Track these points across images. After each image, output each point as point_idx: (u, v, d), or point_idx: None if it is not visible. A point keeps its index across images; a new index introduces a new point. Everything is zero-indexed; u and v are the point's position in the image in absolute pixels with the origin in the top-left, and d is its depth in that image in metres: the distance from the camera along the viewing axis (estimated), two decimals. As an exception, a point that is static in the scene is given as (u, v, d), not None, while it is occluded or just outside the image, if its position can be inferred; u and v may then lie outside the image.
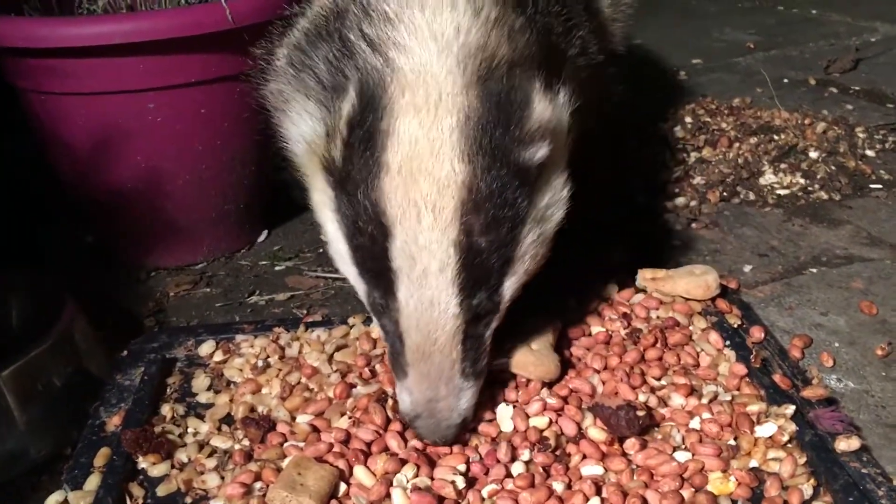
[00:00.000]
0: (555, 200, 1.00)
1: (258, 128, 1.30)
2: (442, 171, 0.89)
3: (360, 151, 0.91)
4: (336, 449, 0.98)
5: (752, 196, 1.73)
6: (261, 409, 1.09)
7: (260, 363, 1.18)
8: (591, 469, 0.95)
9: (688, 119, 2.07)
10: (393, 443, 0.98)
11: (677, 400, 1.06)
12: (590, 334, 1.19)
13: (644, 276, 1.30)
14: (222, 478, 0.98)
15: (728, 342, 1.17)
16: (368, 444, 0.98)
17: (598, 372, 1.10)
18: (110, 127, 1.48)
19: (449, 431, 0.95)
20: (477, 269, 0.91)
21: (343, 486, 0.94)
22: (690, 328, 1.20)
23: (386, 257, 0.90)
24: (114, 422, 1.10)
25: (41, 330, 1.27)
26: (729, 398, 1.06)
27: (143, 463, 1.02)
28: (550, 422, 1.02)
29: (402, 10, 0.96)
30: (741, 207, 1.70)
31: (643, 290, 1.28)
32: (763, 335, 1.18)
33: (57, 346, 1.27)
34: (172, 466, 1.02)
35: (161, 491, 0.99)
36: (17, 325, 1.38)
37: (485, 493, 0.93)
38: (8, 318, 1.39)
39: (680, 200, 1.72)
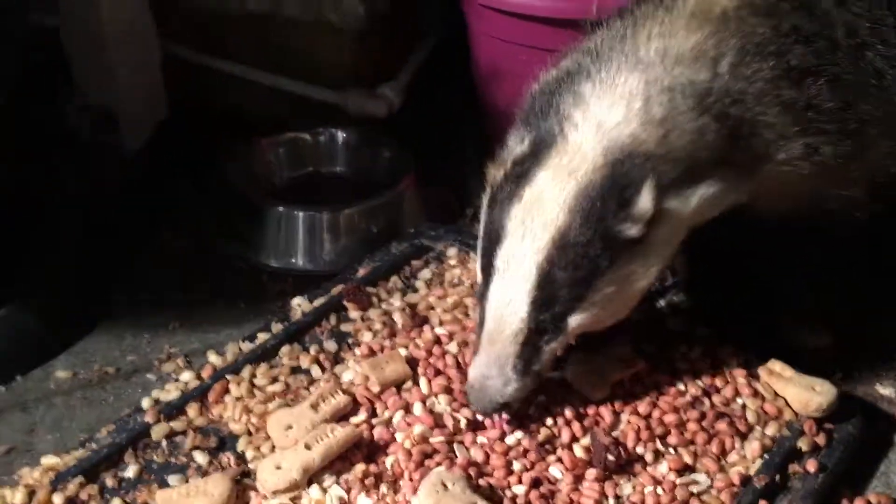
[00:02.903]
0: (641, 271, 1.25)
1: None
2: (550, 213, 1.22)
3: (510, 182, 1.26)
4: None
5: None
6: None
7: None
8: (553, 470, 1.24)
9: None
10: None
11: (662, 468, 1.24)
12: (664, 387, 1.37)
13: (771, 365, 1.38)
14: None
15: (765, 456, 1.26)
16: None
17: (633, 415, 1.31)
18: (505, 64, 1.96)
19: (490, 406, 1.27)
20: (549, 292, 1.22)
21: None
22: (755, 429, 1.30)
23: (494, 258, 1.25)
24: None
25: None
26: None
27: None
28: (555, 421, 1.30)
29: (587, 97, 1.25)
30: None
31: (755, 376, 1.38)
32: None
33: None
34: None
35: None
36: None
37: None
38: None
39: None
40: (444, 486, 1.16)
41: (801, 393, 1.33)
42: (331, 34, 2.15)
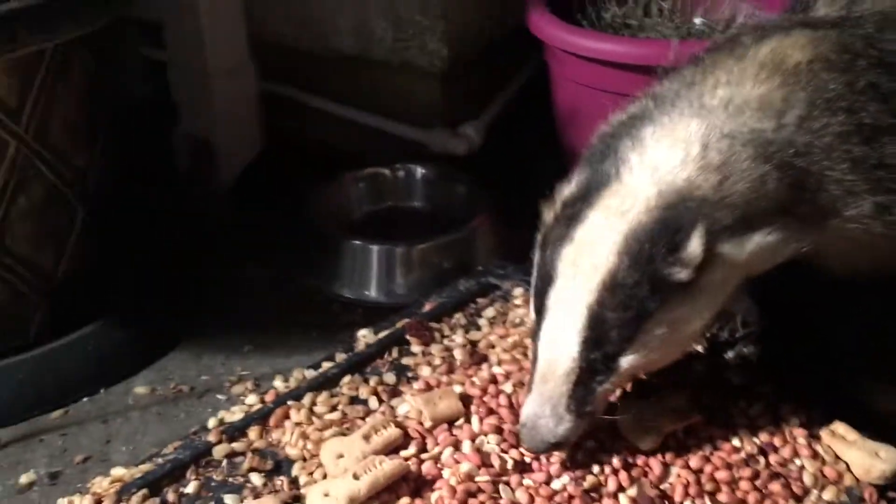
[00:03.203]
0: (692, 315, 1.24)
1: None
2: (601, 254, 1.22)
3: (562, 223, 1.28)
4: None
5: None
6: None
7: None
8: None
9: None
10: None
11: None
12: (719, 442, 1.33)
13: (834, 427, 1.34)
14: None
15: (819, 523, 1.21)
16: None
17: (683, 468, 1.29)
18: (583, 107, 2.00)
19: (542, 445, 1.27)
20: (600, 332, 1.22)
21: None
22: (812, 492, 1.25)
23: (546, 298, 1.27)
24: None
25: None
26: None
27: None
28: (602, 469, 1.29)
29: (646, 140, 1.25)
30: None
31: (816, 437, 1.33)
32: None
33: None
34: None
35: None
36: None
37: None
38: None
39: None
40: (482, 525, 1.17)
41: (864, 458, 1.28)
42: (418, 76, 2.23)
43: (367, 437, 1.36)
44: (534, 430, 1.27)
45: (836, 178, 1.25)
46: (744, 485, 1.28)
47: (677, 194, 1.20)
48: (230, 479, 1.35)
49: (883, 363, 1.58)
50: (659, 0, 2.02)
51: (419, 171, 2.18)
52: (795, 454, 1.32)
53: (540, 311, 1.28)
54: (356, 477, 1.27)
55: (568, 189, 1.30)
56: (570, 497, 1.27)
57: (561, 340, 1.24)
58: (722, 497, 1.26)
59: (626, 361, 1.24)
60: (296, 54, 2.35)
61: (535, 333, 1.30)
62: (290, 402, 1.46)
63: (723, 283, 1.24)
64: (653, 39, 1.97)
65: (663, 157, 1.23)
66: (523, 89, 2.45)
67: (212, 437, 1.40)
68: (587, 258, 1.23)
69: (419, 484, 1.31)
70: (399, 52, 2.18)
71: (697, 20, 2.00)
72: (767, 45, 1.30)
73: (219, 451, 1.38)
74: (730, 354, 1.62)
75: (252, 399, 1.51)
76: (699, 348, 1.58)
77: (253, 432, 1.42)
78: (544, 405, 1.27)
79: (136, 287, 1.84)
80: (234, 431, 1.41)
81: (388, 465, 1.29)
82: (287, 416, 1.45)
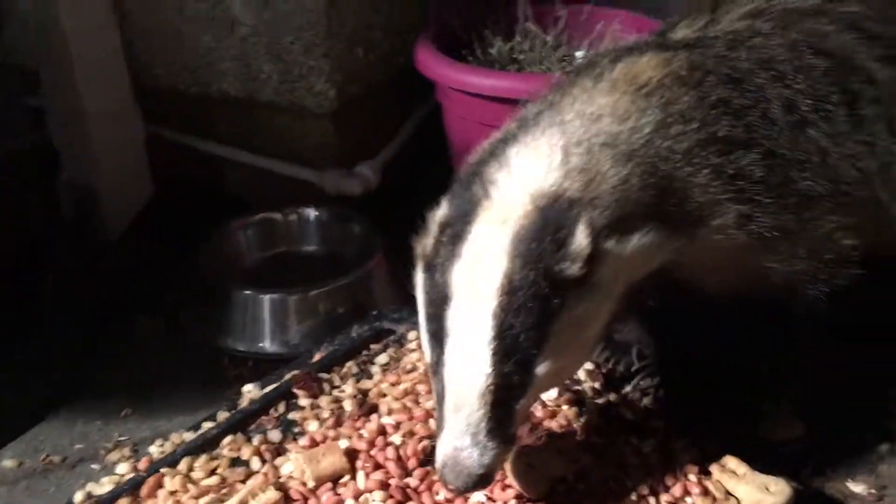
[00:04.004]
0: (593, 313, 1.22)
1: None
2: (493, 262, 1.19)
3: (444, 245, 1.24)
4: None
5: None
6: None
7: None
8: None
9: None
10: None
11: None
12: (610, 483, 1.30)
13: (725, 461, 1.32)
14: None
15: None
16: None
17: (574, 513, 1.25)
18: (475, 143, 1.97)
19: (469, 480, 1.19)
20: (509, 341, 1.17)
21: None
22: (702, 533, 1.23)
23: (443, 321, 1.21)
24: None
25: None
26: None
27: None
28: (489, 525, 1.24)
29: (511, 159, 1.25)
30: None
31: (707, 473, 1.31)
32: None
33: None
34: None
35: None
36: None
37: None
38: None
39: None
40: None
41: (753, 493, 1.26)
42: (309, 117, 2.18)
43: (244, 503, 1.29)
44: (457, 467, 1.18)
45: (699, 184, 1.27)
46: (635, 527, 1.25)
47: (548, 197, 1.20)
48: (96, 560, 1.26)
49: (783, 393, 1.59)
50: (543, 35, 2.02)
51: (312, 213, 2.11)
52: (686, 492, 1.30)
53: (438, 336, 1.22)
54: (232, 548, 1.20)
55: (441, 212, 1.28)
56: (459, 552, 1.23)
57: (470, 358, 1.18)
58: (612, 542, 1.24)
59: (541, 369, 1.19)
60: (184, 98, 2.27)
61: (435, 365, 1.24)
62: (163, 470, 1.38)
63: (615, 281, 1.23)
64: (536, 73, 1.97)
65: (529, 169, 1.23)
66: (421, 128, 2.42)
67: (75, 513, 1.31)
68: (480, 269, 1.19)
69: (301, 550, 1.25)
70: (286, 94, 2.13)
71: (580, 53, 2.01)
72: (621, 65, 1.33)
73: (84, 529, 1.29)
74: (627, 388, 1.60)
75: (124, 468, 1.42)
76: (594, 385, 1.56)
77: (123, 505, 1.33)
78: (463, 436, 1.18)
79: (5, 352, 1.73)
80: (102, 505, 1.33)
81: (264, 533, 1.22)
82: (160, 485, 1.36)
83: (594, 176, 1.21)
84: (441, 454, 1.20)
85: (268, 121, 2.22)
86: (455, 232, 1.23)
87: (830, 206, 1.36)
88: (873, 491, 1.41)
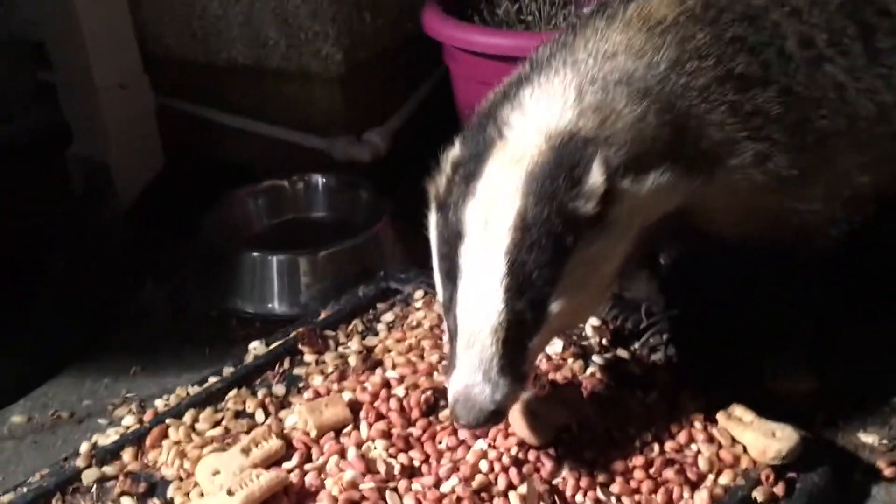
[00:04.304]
0: (607, 252, 1.21)
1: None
2: (507, 200, 1.18)
3: (458, 185, 1.23)
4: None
5: None
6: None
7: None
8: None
9: None
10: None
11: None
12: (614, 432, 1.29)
13: (732, 410, 1.30)
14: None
15: (712, 507, 1.17)
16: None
17: (576, 461, 1.24)
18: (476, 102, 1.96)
19: (481, 415, 1.18)
20: (522, 278, 1.16)
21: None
22: (708, 478, 1.21)
23: (456, 259, 1.21)
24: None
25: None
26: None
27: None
28: (491, 468, 1.24)
29: (525, 101, 1.25)
30: None
31: (713, 421, 1.29)
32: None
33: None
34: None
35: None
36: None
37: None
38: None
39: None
40: (355, 532, 1.10)
41: (759, 439, 1.24)
42: (317, 83, 2.18)
43: (246, 451, 1.28)
44: (469, 402, 1.17)
45: (716, 122, 1.25)
46: (637, 474, 1.23)
47: (563, 136, 1.19)
48: (100, 505, 1.27)
49: (795, 345, 1.57)
50: (550, -7, 2.01)
51: (320, 180, 2.11)
52: (691, 439, 1.28)
53: (452, 274, 1.21)
54: (230, 493, 1.19)
55: (454, 152, 1.27)
56: (459, 499, 1.21)
57: (483, 295, 1.17)
58: (615, 488, 1.22)
59: (554, 307, 1.18)
60: (193, 68, 2.27)
61: (447, 303, 1.23)
62: (168, 421, 1.38)
63: (629, 221, 1.21)
64: (543, 32, 1.95)
65: (543, 109, 1.22)
66: (431, 96, 2.40)
67: (81, 462, 1.31)
68: (493, 207, 1.18)
69: (301, 497, 1.24)
70: (293, 59, 2.12)
71: (587, 11, 1.98)
72: (634, 4, 1.32)
73: (88, 477, 1.29)
74: (636, 345, 1.58)
75: (129, 420, 1.42)
76: (602, 341, 1.55)
77: (127, 454, 1.33)
78: (475, 373, 1.17)
79: (17, 314, 1.74)
80: (106, 455, 1.33)
81: (265, 479, 1.21)
82: (165, 436, 1.36)
83: (609, 114, 1.20)
84: (453, 390, 1.19)
85: (277, 89, 2.22)
86: (468, 171, 1.22)
87: (848, 144, 1.35)
88: (885, 442, 1.38)
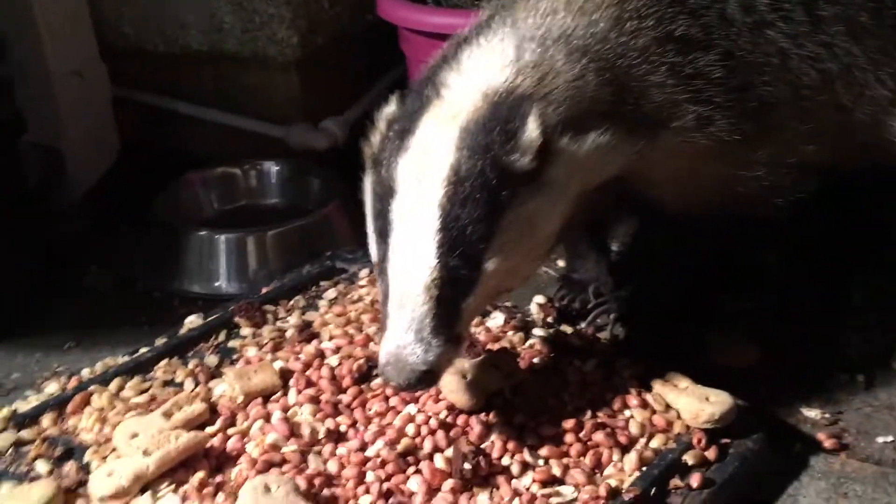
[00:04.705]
0: (544, 213, 1.19)
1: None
2: (439, 153, 1.16)
3: (391, 141, 1.21)
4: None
5: None
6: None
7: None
8: (411, 483, 1.14)
9: None
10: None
11: (526, 480, 1.13)
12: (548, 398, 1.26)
13: (668, 376, 1.27)
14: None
15: (643, 469, 1.14)
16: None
17: (505, 426, 1.21)
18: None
19: (412, 376, 1.14)
20: (456, 233, 1.14)
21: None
22: (639, 441, 1.19)
23: (388, 214, 1.18)
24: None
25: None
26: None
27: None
28: (418, 432, 1.20)
29: (464, 61, 1.23)
30: None
31: (648, 387, 1.27)
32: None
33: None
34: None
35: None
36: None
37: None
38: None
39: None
40: (267, 488, 1.06)
41: (693, 403, 1.21)
42: (275, 69, 2.16)
43: (167, 415, 1.24)
44: (399, 363, 1.14)
45: (657, 83, 1.24)
46: (567, 437, 1.20)
47: (500, 94, 1.17)
48: (12, 469, 1.22)
49: (729, 314, 1.55)
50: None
51: (273, 168, 2.08)
52: (625, 405, 1.25)
53: (384, 231, 1.18)
54: (146, 453, 1.16)
55: (388, 109, 1.25)
56: (384, 462, 1.17)
57: (415, 252, 1.14)
58: (543, 451, 1.18)
59: (489, 265, 1.15)
60: (151, 57, 2.25)
61: (380, 261, 1.20)
62: (93, 388, 1.34)
63: (568, 182, 1.19)
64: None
65: (481, 67, 1.21)
66: (394, 88, 2.39)
67: (-5, 426, 1.27)
68: (427, 161, 1.16)
69: (221, 460, 1.20)
70: (249, 44, 2.11)
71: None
72: None
73: (3, 440, 1.25)
74: (582, 325, 1.55)
75: (53, 387, 1.38)
76: (547, 318, 1.52)
77: (46, 419, 1.29)
78: (406, 333, 1.14)
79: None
80: (25, 419, 1.29)
81: (183, 440, 1.17)
82: (88, 402, 1.33)
83: (548, 72, 1.19)
84: (384, 352, 1.15)
85: (235, 78, 2.21)
86: (402, 127, 1.21)
87: (791, 112, 1.34)
88: (827, 416, 1.35)
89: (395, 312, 1.15)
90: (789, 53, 1.34)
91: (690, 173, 1.31)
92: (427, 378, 1.15)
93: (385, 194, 1.18)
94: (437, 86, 1.22)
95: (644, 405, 1.25)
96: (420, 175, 1.16)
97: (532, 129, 1.13)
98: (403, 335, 1.14)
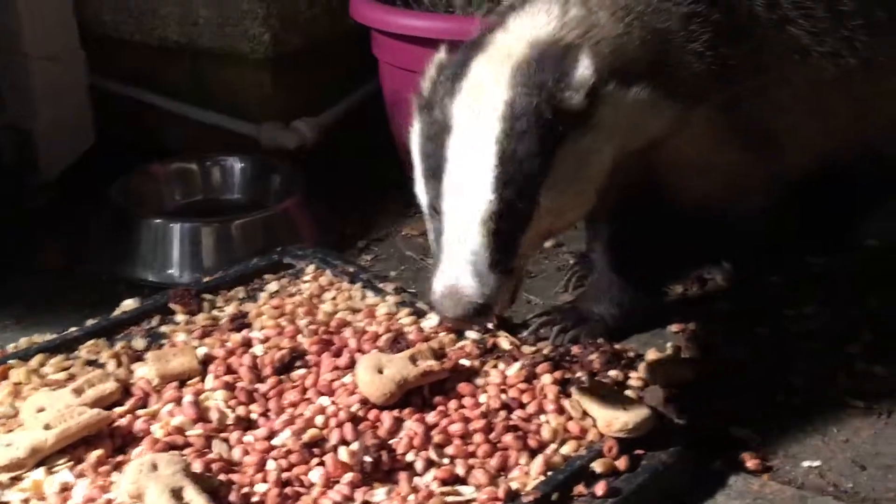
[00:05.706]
0: (595, 152, 1.21)
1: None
2: (495, 91, 1.18)
3: (443, 84, 1.23)
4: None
5: None
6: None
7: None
8: (313, 474, 1.12)
9: None
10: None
11: (427, 477, 1.11)
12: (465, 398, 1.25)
13: (588, 384, 1.25)
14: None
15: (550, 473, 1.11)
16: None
17: (416, 422, 1.19)
18: (399, 89, 1.94)
19: (469, 308, 1.14)
20: (512, 166, 1.15)
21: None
22: (550, 446, 1.16)
23: (443, 154, 1.19)
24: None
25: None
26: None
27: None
28: (327, 423, 1.18)
29: (510, 24, 1.26)
30: None
31: (568, 394, 1.24)
32: None
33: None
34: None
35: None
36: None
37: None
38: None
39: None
40: (154, 467, 1.04)
41: (608, 411, 1.19)
42: (248, 66, 2.17)
43: (78, 391, 1.23)
44: (456, 295, 1.14)
45: (695, 52, 1.26)
46: (477, 438, 1.17)
47: (548, 43, 1.20)
48: (-85, 439, 1.21)
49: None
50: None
51: (236, 164, 2.07)
52: (541, 410, 1.23)
53: (437, 171, 1.19)
54: (48, 427, 1.15)
55: (439, 56, 1.27)
56: (289, 451, 1.15)
57: (472, 186, 1.15)
58: (450, 450, 1.16)
59: (544, 199, 1.16)
60: (129, 48, 2.26)
61: (432, 204, 1.20)
62: (11, 362, 1.34)
63: (613, 130, 1.21)
64: (466, 16, 1.93)
65: (527, 24, 1.24)
66: (375, 98, 2.39)
67: None
68: (482, 99, 1.18)
69: (127, 440, 1.18)
70: (223, 39, 2.11)
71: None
72: None
73: None
74: (524, 333, 1.52)
75: (-25, 363, 1.37)
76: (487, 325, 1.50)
77: (-44, 391, 1.29)
78: (463, 267, 1.14)
79: None
80: (-66, 390, 1.28)
81: (85, 416, 1.16)
82: (5, 377, 1.32)
83: (591, 27, 1.22)
84: (439, 286, 1.15)
85: (210, 73, 2.21)
86: (454, 72, 1.23)
87: (811, 109, 1.37)
88: (756, 437, 1.32)
89: (451, 247, 1.16)
90: (810, 51, 1.36)
91: (714, 154, 1.34)
92: (482, 310, 1.15)
93: (438, 134, 1.20)
94: (483, 43, 1.25)
95: (561, 411, 1.22)
96: (475, 113, 1.18)
97: (585, 67, 1.16)
98: (460, 268, 1.15)
